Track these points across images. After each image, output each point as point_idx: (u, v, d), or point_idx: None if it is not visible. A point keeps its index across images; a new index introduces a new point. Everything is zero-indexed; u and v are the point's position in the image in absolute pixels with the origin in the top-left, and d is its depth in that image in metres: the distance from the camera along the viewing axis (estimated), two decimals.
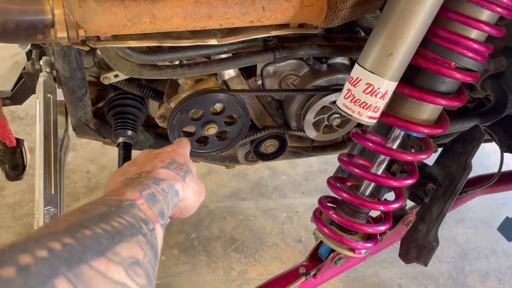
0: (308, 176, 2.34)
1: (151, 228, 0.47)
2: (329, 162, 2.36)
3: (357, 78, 0.77)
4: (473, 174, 1.03)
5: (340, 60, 1.10)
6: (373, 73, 0.75)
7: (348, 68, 1.10)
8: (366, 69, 0.76)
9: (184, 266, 1.79)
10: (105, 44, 0.80)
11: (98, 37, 0.79)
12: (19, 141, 1.19)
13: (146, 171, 0.60)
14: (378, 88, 0.76)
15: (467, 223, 2.29)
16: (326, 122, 1.14)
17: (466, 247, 2.16)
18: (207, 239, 1.91)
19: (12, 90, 1.35)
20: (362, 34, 1.11)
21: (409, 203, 1.18)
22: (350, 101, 0.78)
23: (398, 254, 1.09)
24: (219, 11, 0.81)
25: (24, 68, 1.23)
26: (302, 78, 1.09)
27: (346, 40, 1.04)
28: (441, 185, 1.01)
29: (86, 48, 0.78)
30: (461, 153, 0.98)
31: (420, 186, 1.08)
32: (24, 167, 1.27)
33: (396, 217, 1.17)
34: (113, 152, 2.16)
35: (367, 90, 0.76)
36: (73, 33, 0.71)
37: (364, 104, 0.77)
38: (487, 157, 2.41)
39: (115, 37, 0.81)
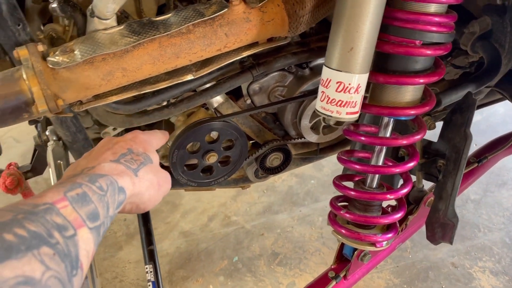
0: (337, 174, 2.32)
1: (69, 235, 0.44)
2: None
3: (327, 79, 0.78)
4: None
5: (321, 61, 1.10)
6: (340, 71, 0.76)
7: None
8: (333, 69, 0.77)
9: None
10: (88, 106, 0.85)
11: (80, 101, 0.84)
12: None
13: (89, 167, 0.58)
14: (349, 84, 0.76)
15: (511, 184, 2.20)
16: (323, 123, 1.15)
17: None
18: (249, 259, 1.93)
19: (30, 163, 1.44)
20: None
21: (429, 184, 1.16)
22: (327, 103, 0.79)
23: (426, 237, 1.07)
24: (184, 49, 0.84)
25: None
26: (288, 87, 1.10)
27: (321, 40, 1.05)
28: (450, 160, 0.99)
29: (70, 115, 0.82)
30: (461, 123, 0.96)
31: (431, 164, 1.06)
32: None
33: (416, 200, 1.15)
34: None
35: (339, 89, 0.77)
36: (53, 104, 0.76)
37: (340, 102, 0.78)
38: None
39: (97, 97, 0.86)
